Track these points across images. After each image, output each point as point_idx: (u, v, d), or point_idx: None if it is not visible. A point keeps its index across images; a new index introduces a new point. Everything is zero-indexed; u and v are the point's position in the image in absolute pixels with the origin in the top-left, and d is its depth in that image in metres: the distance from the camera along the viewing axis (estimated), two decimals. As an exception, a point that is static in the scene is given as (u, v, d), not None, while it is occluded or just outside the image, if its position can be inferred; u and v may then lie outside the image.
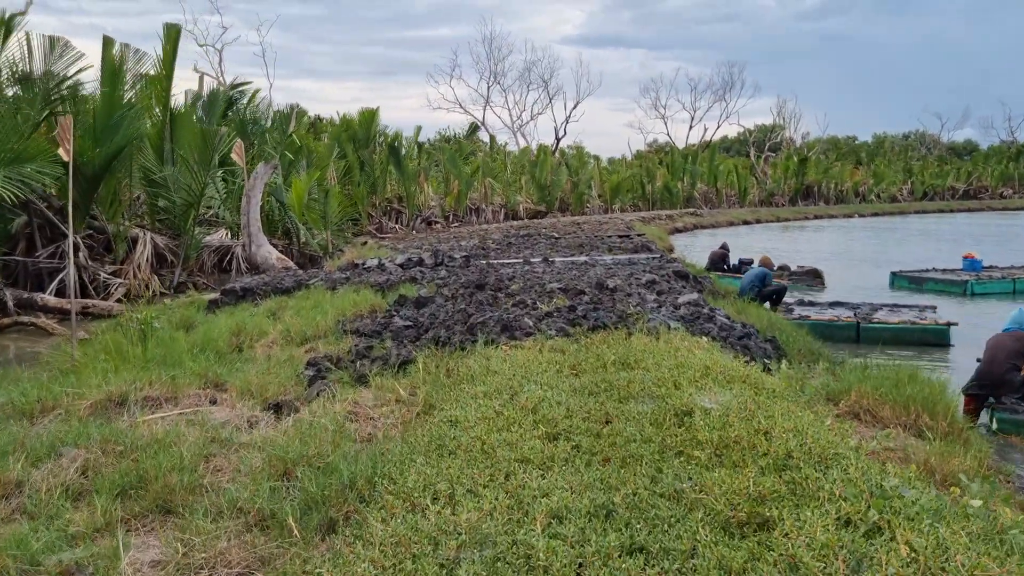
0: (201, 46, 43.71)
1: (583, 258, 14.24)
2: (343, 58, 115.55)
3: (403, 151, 34.18)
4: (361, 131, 33.95)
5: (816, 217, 55.43)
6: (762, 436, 3.83)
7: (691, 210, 49.84)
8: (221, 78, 41.60)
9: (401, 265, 13.75)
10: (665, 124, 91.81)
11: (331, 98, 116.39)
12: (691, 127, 77.47)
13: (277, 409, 5.33)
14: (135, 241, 16.20)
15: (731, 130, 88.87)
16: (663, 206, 51.83)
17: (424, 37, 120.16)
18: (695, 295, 8.39)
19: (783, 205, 60.88)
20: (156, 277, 16.17)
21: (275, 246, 20.76)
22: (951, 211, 63.55)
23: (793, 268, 18.43)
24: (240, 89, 22.37)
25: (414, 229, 34.37)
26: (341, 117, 36.81)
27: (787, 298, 14.87)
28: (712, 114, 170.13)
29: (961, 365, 10.11)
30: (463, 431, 3.90)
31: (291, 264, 17.10)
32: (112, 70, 15.57)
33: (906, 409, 5.27)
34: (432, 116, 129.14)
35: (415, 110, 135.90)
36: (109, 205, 15.68)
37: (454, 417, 4.16)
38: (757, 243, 29.33)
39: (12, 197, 11.91)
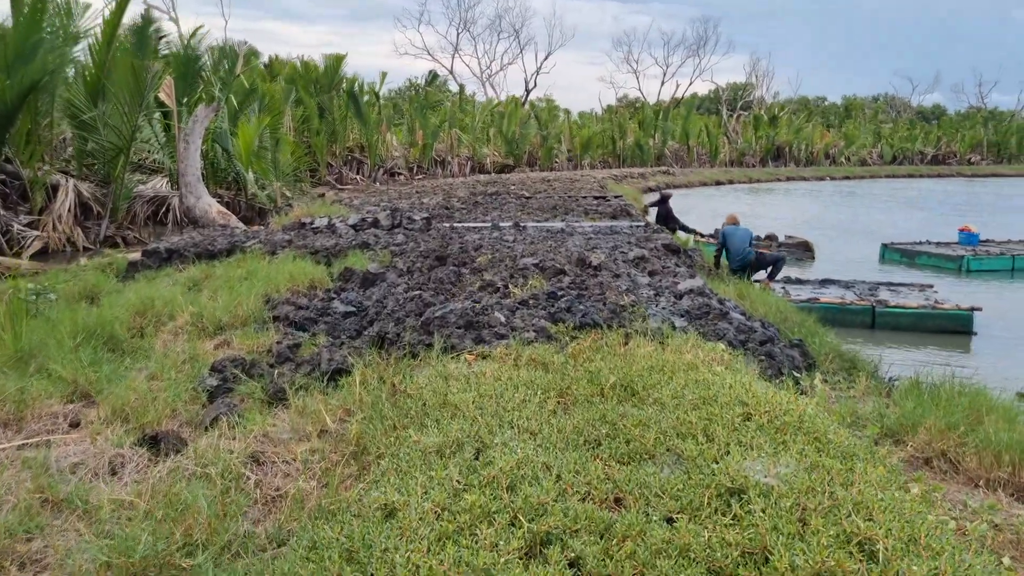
0: (151, -23, 40.82)
1: (559, 224, 12.79)
2: (315, 2, 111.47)
3: (364, 98, 32.20)
4: (325, 78, 31.94)
5: (788, 179, 54.48)
6: (856, 549, 2.49)
7: (663, 168, 48.49)
8: (173, 13, 39.08)
9: (353, 226, 12.20)
10: (637, 79, 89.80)
11: (298, 41, 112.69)
12: (663, 83, 76.24)
13: (154, 443, 3.88)
14: (56, 189, 14.42)
15: (703, 87, 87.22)
16: (633, 163, 50.41)
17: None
18: (698, 282, 7.02)
19: (754, 166, 59.77)
20: (80, 230, 14.44)
21: (220, 198, 19.04)
22: (920, 176, 63.04)
23: (781, 238, 17.17)
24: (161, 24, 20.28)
25: (376, 181, 32.65)
26: (301, 62, 34.58)
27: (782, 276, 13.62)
28: (685, 70, 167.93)
29: (987, 358, 9.00)
30: (399, 539, 2.49)
31: (233, 219, 15.45)
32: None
33: (997, 459, 3.99)
34: (399, 63, 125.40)
35: (385, 57, 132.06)
36: (25, 146, 13.84)
37: (389, 502, 2.75)
38: (732, 207, 28.08)
39: None
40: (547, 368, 4.60)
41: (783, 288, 11.50)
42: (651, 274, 8.07)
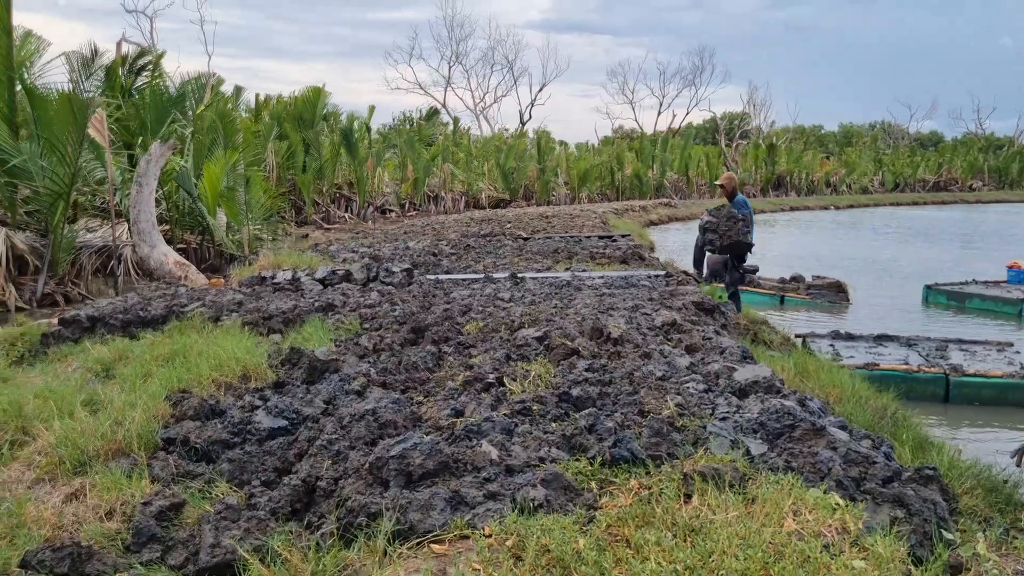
0: (129, 12, 39.46)
1: (563, 274, 10.91)
2: (307, 38, 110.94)
3: (355, 133, 30.53)
4: (307, 111, 30.27)
5: (792, 209, 52.90)
6: None
7: (664, 200, 46.76)
8: (154, 49, 37.59)
9: (321, 280, 10.34)
10: (633, 110, 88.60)
11: (292, 79, 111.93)
12: (659, 113, 74.85)
13: None
14: (-15, 241, 12.57)
15: (699, 117, 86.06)
16: (632, 195, 48.80)
17: (388, 19, 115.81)
18: (763, 370, 5.14)
19: (754, 195, 58.15)
20: (13, 287, 12.56)
21: (187, 244, 17.25)
22: (924, 203, 61.68)
23: (808, 279, 15.33)
24: (145, 59, 18.60)
25: (366, 219, 30.91)
26: (278, 96, 32.99)
27: (814, 326, 11.81)
28: (681, 100, 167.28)
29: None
30: None
31: (192, 270, 13.59)
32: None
33: None
34: (390, 98, 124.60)
35: (377, 92, 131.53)
36: (-58, 195, 12.01)
37: None
38: None
39: None
40: (570, 573, 2.71)
41: (831, 346, 9.64)
42: (690, 350, 6.20)
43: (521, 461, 3.67)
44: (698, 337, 6.51)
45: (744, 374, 5.13)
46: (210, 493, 3.67)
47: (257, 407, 4.70)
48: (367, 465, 3.53)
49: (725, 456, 3.78)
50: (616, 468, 3.68)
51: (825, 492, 3.49)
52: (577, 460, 3.76)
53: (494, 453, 3.65)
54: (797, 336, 10.15)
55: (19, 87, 13.50)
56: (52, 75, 15.52)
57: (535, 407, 4.53)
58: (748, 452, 3.86)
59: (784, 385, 5.10)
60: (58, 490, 3.88)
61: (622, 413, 4.40)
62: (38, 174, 12.79)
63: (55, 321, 8.82)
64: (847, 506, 3.36)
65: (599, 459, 3.71)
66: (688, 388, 4.91)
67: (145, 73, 18.51)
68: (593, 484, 3.54)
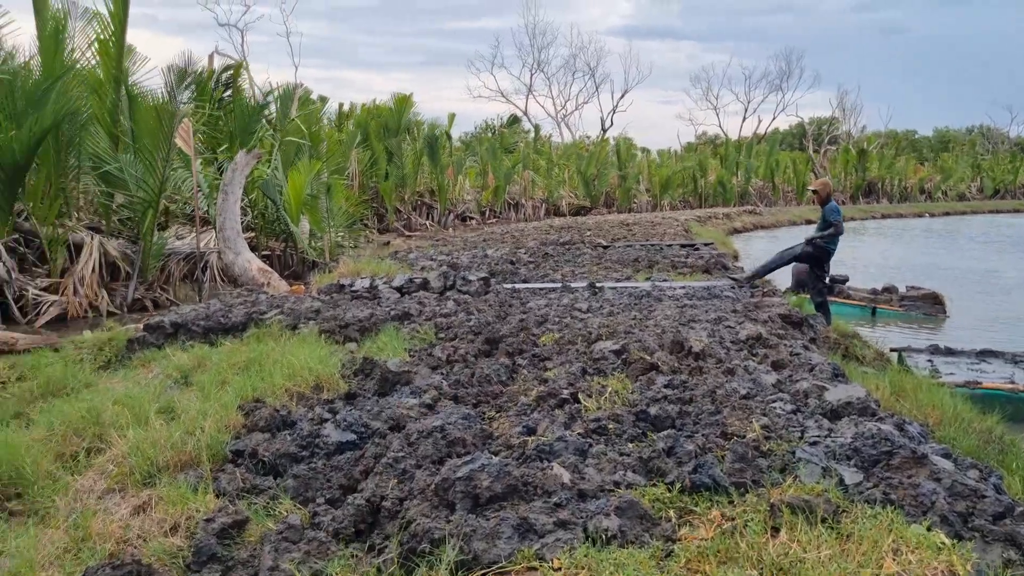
0: (222, 26, 40.75)
1: (643, 284, 10.63)
2: (390, 49, 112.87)
3: (439, 142, 30.75)
4: (392, 119, 30.66)
5: (884, 216, 50.98)
6: None
7: (748, 207, 45.71)
8: (244, 61, 38.70)
9: (399, 288, 10.33)
10: (717, 115, 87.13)
11: (376, 89, 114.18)
12: (744, 118, 73.27)
13: None
14: (80, 248, 13.01)
15: (785, 122, 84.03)
16: (715, 202, 47.87)
17: (471, 28, 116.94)
18: (856, 390, 4.81)
19: (844, 203, 56.32)
20: (105, 293, 12.96)
21: (271, 251, 17.58)
22: (1027, 210, 58.59)
23: (902, 289, 14.62)
24: (229, 72, 19.06)
25: (446, 226, 31.10)
26: (362, 105, 33.47)
27: (910, 340, 11.21)
28: (767, 106, 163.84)
29: None
30: None
31: (275, 277, 13.79)
32: (47, 30, 12.42)
33: None
34: (472, 106, 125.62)
35: (459, 101, 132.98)
36: (40, 201, 12.46)
37: None
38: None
39: None
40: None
41: (929, 361, 9.10)
42: (776, 366, 5.88)
43: (595, 485, 3.47)
44: (785, 352, 6.18)
45: (836, 394, 4.80)
46: (274, 510, 3.59)
47: (326, 420, 4.61)
48: (433, 486, 3.39)
49: (816, 485, 3.50)
50: (697, 495, 3.45)
51: (929, 529, 3.19)
52: (654, 485, 3.54)
53: (566, 476, 3.45)
54: (892, 350, 9.63)
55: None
56: (149, 86, 16.05)
57: (611, 426, 4.32)
58: (841, 481, 3.57)
59: (879, 407, 4.75)
60: (127, 501, 3.86)
61: (703, 435, 4.15)
62: (132, 182, 13.18)
63: (141, 326, 9.01)
64: (953, 545, 3.06)
65: (678, 485, 3.48)
66: (775, 408, 4.62)
67: (233, 85, 18.96)
68: (671, 513, 3.31)
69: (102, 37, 13.29)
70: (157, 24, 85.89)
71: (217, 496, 3.77)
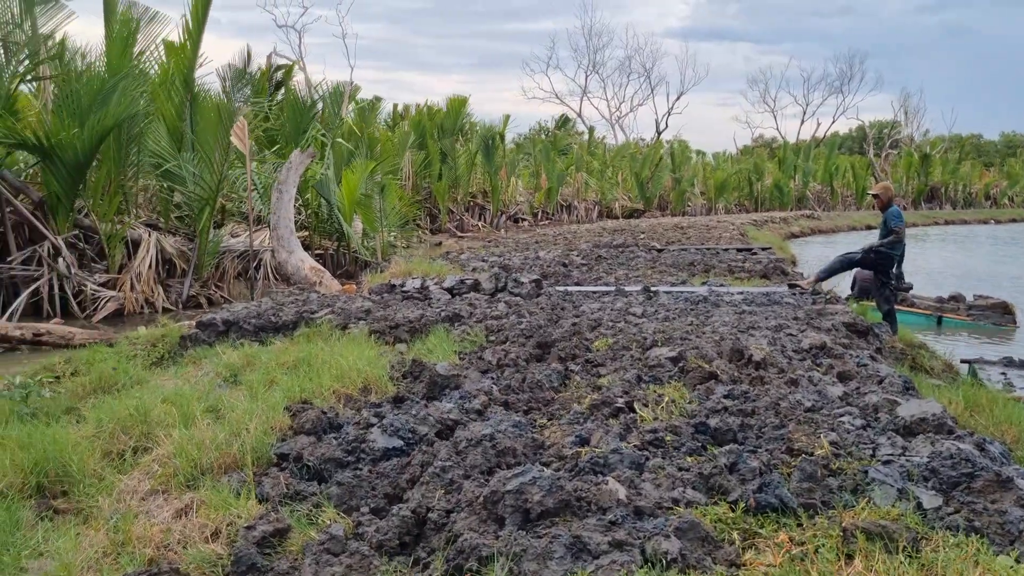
0: (280, 27, 41.28)
1: (700, 289, 10.35)
2: (446, 50, 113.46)
3: (492, 142, 30.70)
4: (447, 120, 30.72)
5: (947, 222, 49.49)
6: None
7: (806, 212, 44.77)
8: (301, 61, 39.17)
9: (449, 290, 10.22)
10: (774, 118, 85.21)
11: (431, 90, 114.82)
12: (803, 121, 71.90)
13: None
14: (138, 245, 13.19)
15: (844, 126, 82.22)
16: (772, 206, 47.03)
17: (526, 30, 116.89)
18: (932, 405, 4.51)
19: (905, 208, 54.81)
20: (161, 289, 13.11)
21: (324, 250, 17.65)
22: (1103, 219, 56.27)
23: (969, 298, 14.05)
24: (280, 72, 19.21)
25: (498, 227, 31.04)
26: (417, 107, 33.57)
27: (979, 351, 10.76)
28: (826, 109, 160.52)
29: None
30: None
31: (327, 276, 13.80)
32: (112, 32, 12.61)
33: None
34: (526, 108, 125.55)
35: (514, 103, 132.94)
36: (100, 198, 12.65)
37: None
38: None
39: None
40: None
41: (1003, 374, 8.67)
42: (842, 378, 5.60)
43: (652, 502, 3.27)
44: (852, 363, 5.89)
45: (908, 409, 4.52)
46: (317, 518, 3.46)
47: (372, 425, 4.49)
48: (481, 498, 3.23)
49: (892, 509, 3.26)
50: (762, 517, 3.23)
51: (1018, 560, 2.93)
52: (716, 504, 3.33)
53: (622, 492, 3.26)
54: (962, 362, 9.21)
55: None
56: (210, 87, 16.35)
57: (668, 438, 4.11)
58: (919, 505, 3.32)
59: (956, 424, 4.46)
60: (169, 504, 3.78)
61: (767, 450, 3.93)
62: (190, 180, 13.32)
63: (193, 324, 9.04)
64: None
65: (742, 505, 3.27)
66: (843, 423, 4.36)
67: (285, 84, 19.12)
68: (735, 535, 3.10)
69: (180, 40, 13.50)
70: (220, 27, 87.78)
71: (260, 501, 3.66)
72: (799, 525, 3.16)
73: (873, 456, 3.91)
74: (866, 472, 3.61)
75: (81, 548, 3.33)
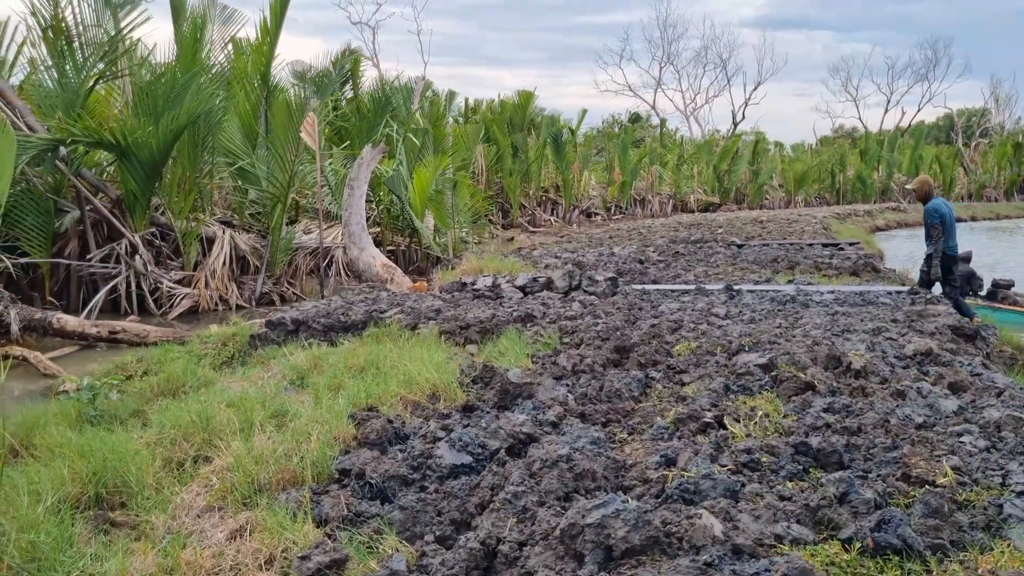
0: (354, 24, 41.62)
1: (786, 287, 9.79)
2: (519, 45, 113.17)
3: (563, 136, 30.31)
4: (516, 114, 30.48)
5: (1043, 214, 47.01)
6: None
7: (891, 204, 43.04)
8: (375, 58, 39.43)
9: (521, 288, 9.91)
10: (856, 107, 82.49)
11: (505, 85, 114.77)
12: (886, 111, 69.26)
13: None
14: (212, 242, 13.25)
15: (931, 114, 79.03)
16: (855, 199, 45.38)
17: (599, 22, 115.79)
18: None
19: (996, 199, 52.28)
20: (235, 286, 13.15)
21: (396, 246, 17.56)
22: None
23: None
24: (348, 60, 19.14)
25: (571, 222, 30.64)
26: (487, 101, 33.42)
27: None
28: (911, 97, 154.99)
29: None
30: None
31: (398, 273, 13.64)
32: (188, 30, 12.67)
33: None
34: (599, 101, 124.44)
35: (587, 96, 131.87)
36: (175, 196, 12.73)
37: None
38: (984, 251, 22.94)
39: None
40: None
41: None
42: (954, 389, 5.07)
43: (751, 539, 2.88)
44: (964, 372, 5.35)
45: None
46: (377, 546, 3.17)
47: (440, 438, 4.19)
48: (558, 531, 2.89)
49: (1035, 552, 2.80)
50: (881, 560, 2.80)
51: None
52: (826, 542, 2.92)
53: (717, 527, 2.88)
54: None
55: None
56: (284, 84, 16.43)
57: (764, 459, 3.70)
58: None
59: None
60: (224, 523, 3.55)
61: (879, 476, 3.49)
62: (263, 178, 13.32)
63: (263, 323, 8.94)
64: None
65: (857, 545, 2.85)
66: (963, 445, 3.88)
67: (353, 78, 19.06)
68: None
69: (257, 38, 13.52)
70: (296, 26, 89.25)
71: (318, 524, 3.40)
72: (928, 571, 2.73)
73: (1003, 485, 3.43)
74: (1000, 506, 3.15)
75: (128, 574, 3.11)
